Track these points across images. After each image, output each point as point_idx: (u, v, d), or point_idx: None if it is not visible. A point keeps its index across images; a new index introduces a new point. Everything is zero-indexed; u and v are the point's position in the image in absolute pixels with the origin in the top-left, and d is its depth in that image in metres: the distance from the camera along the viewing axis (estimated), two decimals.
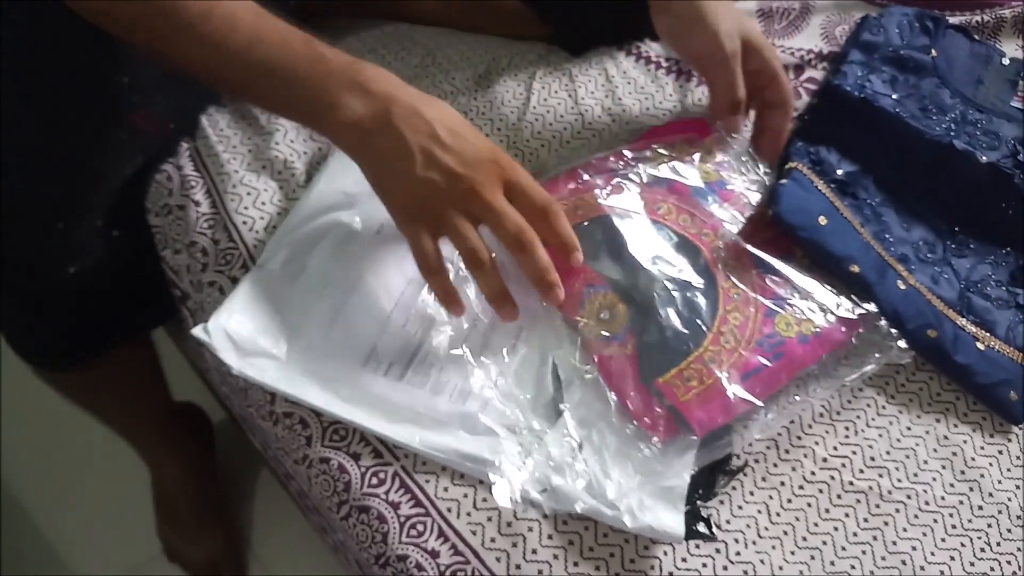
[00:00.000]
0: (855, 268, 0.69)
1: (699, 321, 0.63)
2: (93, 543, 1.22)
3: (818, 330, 0.65)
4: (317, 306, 0.66)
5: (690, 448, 0.61)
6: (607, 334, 0.64)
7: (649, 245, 0.67)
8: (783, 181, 0.72)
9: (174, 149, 0.80)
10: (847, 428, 0.67)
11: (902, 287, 0.70)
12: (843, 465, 0.66)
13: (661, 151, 0.73)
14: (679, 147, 0.74)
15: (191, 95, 0.80)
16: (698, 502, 0.60)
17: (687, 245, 0.68)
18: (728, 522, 0.62)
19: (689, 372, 0.62)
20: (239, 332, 0.64)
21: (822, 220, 0.70)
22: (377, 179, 0.60)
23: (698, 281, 0.65)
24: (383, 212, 0.63)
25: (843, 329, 0.65)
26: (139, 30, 0.60)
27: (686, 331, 0.63)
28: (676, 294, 0.64)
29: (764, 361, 0.63)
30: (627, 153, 0.73)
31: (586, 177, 0.71)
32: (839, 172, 0.76)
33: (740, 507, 0.63)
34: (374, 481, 0.62)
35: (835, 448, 0.66)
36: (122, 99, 0.76)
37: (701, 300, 0.64)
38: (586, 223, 0.68)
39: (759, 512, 0.63)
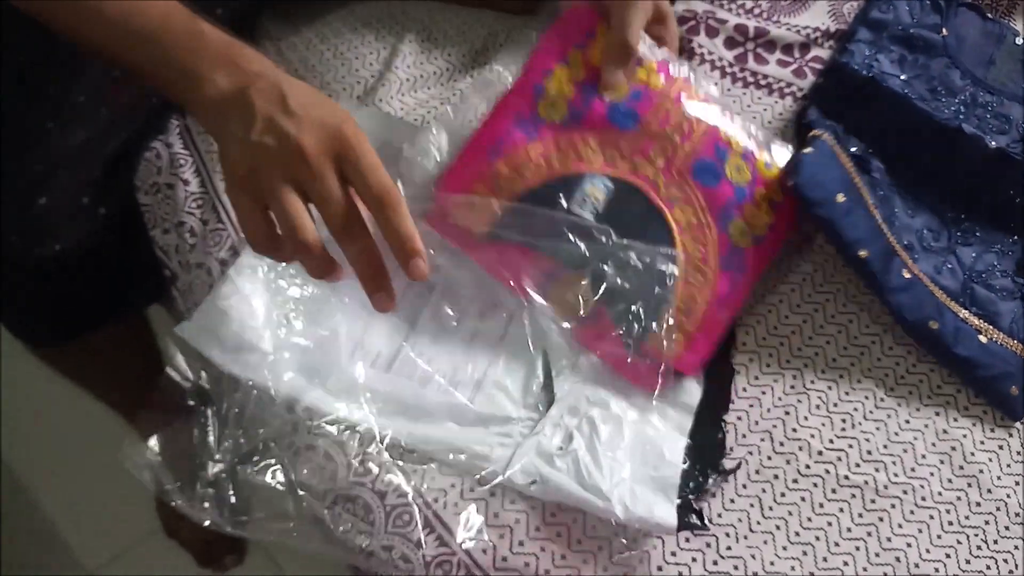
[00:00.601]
0: (863, 253, 0.67)
1: (663, 270, 0.63)
2: (92, 518, 1.23)
3: (770, 223, 0.68)
4: (303, 296, 0.65)
5: (687, 415, 0.63)
6: (583, 315, 0.63)
7: (588, 203, 0.66)
8: (806, 150, 0.69)
9: (163, 126, 0.78)
10: (844, 421, 0.66)
11: (906, 276, 0.68)
12: (839, 459, 0.64)
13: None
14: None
15: None
16: (690, 496, 0.60)
17: (624, 188, 0.67)
18: (720, 516, 0.61)
19: (669, 328, 0.63)
20: (224, 327, 0.63)
21: (840, 198, 0.68)
22: (221, 149, 0.55)
23: (650, 229, 0.66)
24: None
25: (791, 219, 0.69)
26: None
27: (655, 287, 0.63)
28: (631, 254, 0.63)
29: (734, 280, 0.66)
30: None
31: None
32: (852, 150, 0.74)
33: (732, 500, 0.62)
34: (360, 470, 0.61)
35: (831, 441, 0.65)
36: (101, 73, 0.75)
37: (658, 250, 0.64)
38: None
39: (751, 506, 0.62)
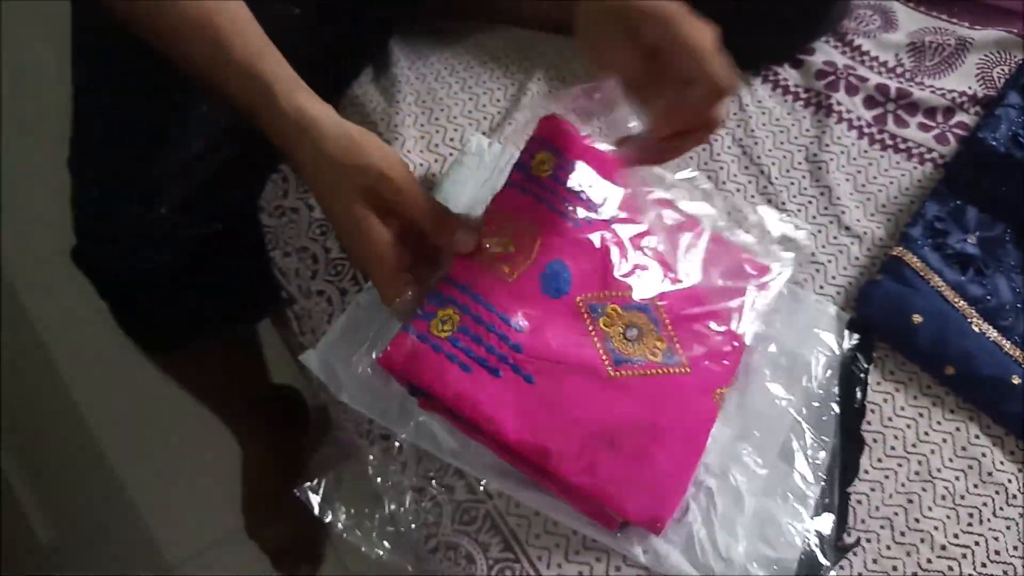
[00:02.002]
0: (950, 370, 0.66)
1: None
2: (179, 515, 1.25)
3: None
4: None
5: (813, 488, 0.60)
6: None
7: None
8: (878, 277, 0.68)
9: None
10: (971, 515, 0.63)
11: (1015, 382, 0.65)
12: (963, 556, 0.61)
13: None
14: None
15: None
16: None
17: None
18: None
19: None
20: (342, 363, 0.63)
21: (916, 319, 0.67)
22: None
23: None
24: None
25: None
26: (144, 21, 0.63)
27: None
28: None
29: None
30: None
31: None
32: (970, 240, 0.71)
33: None
34: (465, 519, 0.60)
35: (956, 536, 0.62)
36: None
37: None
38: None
39: None
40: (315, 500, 0.61)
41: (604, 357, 0.60)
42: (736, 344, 0.63)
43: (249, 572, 1.21)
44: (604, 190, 0.66)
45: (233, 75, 0.59)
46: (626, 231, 0.66)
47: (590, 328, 0.61)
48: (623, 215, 0.66)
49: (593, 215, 0.65)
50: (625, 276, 0.64)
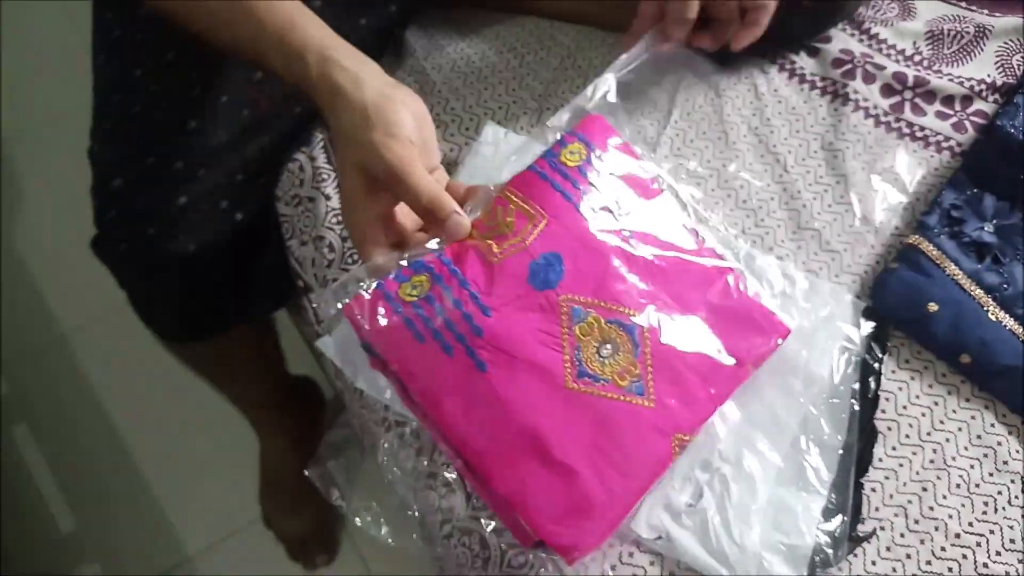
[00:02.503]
0: (966, 359, 0.65)
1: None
2: (199, 503, 1.27)
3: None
4: None
5: (827, 475, 0.59)
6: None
7: None
8: (894, 265, 0.68)
9: (306, 137, 0.80)
10: (986, 504, 0.62)
11: None
12: (978, 544, 0.61)
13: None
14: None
15: None
16: (817, 568, 0.57)
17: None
18: None
19: None
20: (359, 347, 0.63)
21: (932, 307, 0.66)
22: None
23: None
24: None
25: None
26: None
27: None
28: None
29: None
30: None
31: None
32: (987, 228, 0.70)
33: None
34: (479, 504, 0.60)
35: (970, 524, 0.61)
36: (243, 75, 0.77)
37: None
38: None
39: None
40: (324, 482, 0.62)
41: (568, 365, 0.57)
42: (713, 392, 0.59)
43: (266, 562, 1.22)
44: (632, 202, 0.64)
45: (270, 50, 0.62)
46: (643, 249, 0.62)
47: (564, 331, 0.58)
48: (644, 231, 0.63)
49: (611, 220, 0.63)
50: (623, 291, 0.60)
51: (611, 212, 0.63)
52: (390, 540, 0.60)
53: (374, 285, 0.57)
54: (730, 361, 0.60)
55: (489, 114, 0.80)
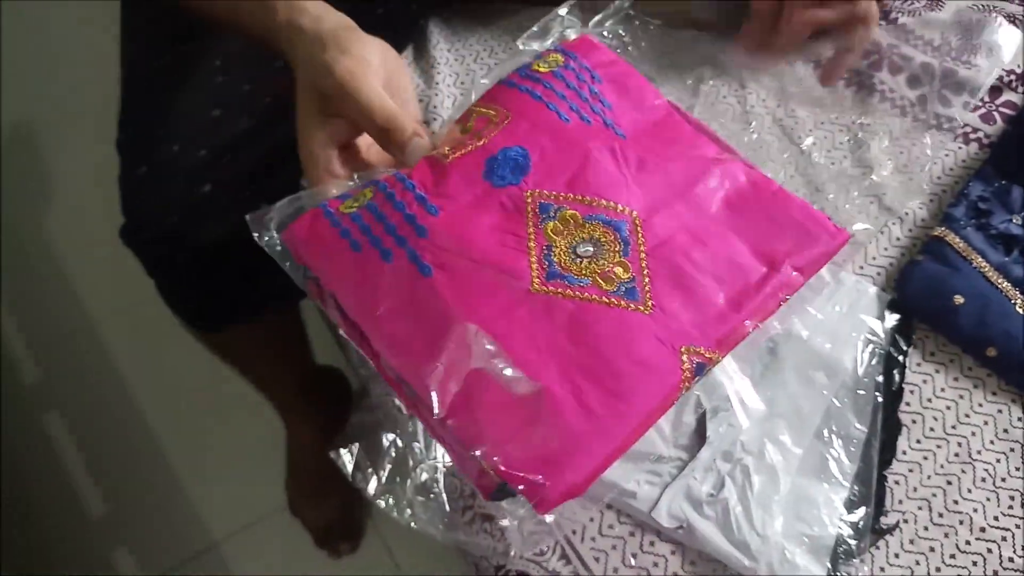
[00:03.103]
0: (992, 352, 0.64)
1: None
2: (226, 489, 1.29)
3: None
4: None
5: (851, 465, 0.58)
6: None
7: None
8: (919, 257, 0.68)
9: None
10: (1012, 498, 0.62)
11: None
12: (1003, 539, 0.60)
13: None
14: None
15: None
16: (840, 560, 0.57)
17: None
18: None
19: None
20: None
21: (958, 300, 0.66)
22: None
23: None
24: None
25: None
26: None
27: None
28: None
29: None
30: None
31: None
32: (1015, 220, 0.70)
33: (883, 569, 0.59)
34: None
35: (996, 519, 0.61)
36: (266, 63, 0.77)
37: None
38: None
39: None
40: (349, 465, 0.62)
41: (535, 266, 0.49)
42: (737, 298, 0.50)
43: (291, 549, 1.24)
44: (624, 108, 0.56)
45: (245, 7, 0.61)
46: (638, 146, 0.54)
47: (530, 230, 0.50)
48: (639, 132, 0.56)
49: (595, 116, 0.55)
50: (606, 184, 0.51)
51: (599, 111, 0.55)
52: (412, 524, 0.60)
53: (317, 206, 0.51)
54: (758, 265, 0.52)
55: None
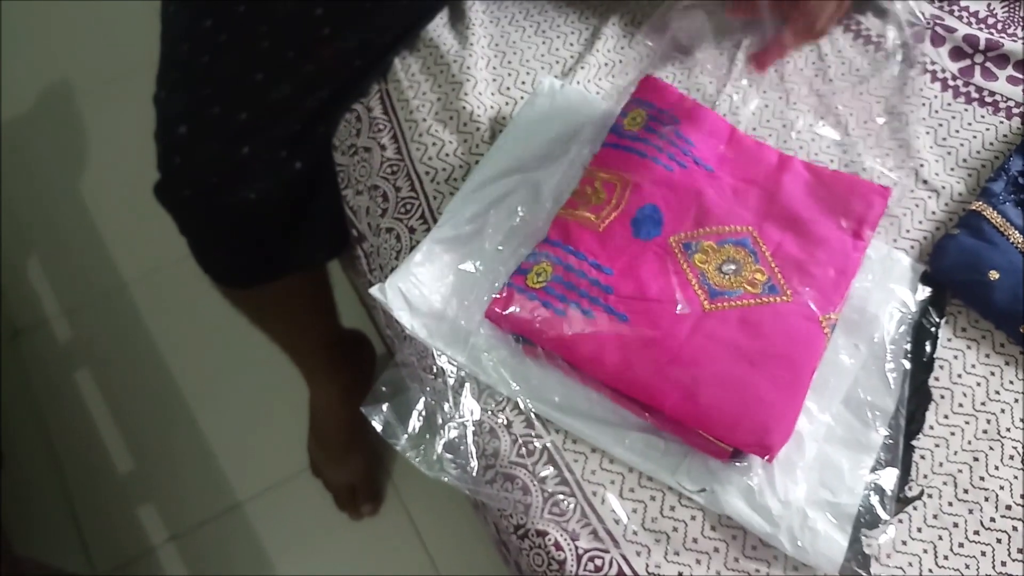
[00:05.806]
0: None
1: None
2: (248, 452, 1.30)
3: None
4: (493, 267, 0.65)
5: (877, 433, 0.60)
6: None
7: None
8: (955, 231, 0.67)
9: (364, 88, 0.81)
10: None
11: None
12: None
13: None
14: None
15: (380, 34, 0.80)
16: (863, 530, 0.57)
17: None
18: (889, 556, 0.58)
19: None
20: (414, 292, 0.64)
21: (993, 275, 0.64)
22: None
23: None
24: (563, 178, 0.68)
25: None
26: None
27: None
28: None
29: None
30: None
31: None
32: None
33: (905, 543, 0.58)
34: (523, 452, 0.61)
35: (1023, 497, 0.60)
36: (313, 30, 0.77)
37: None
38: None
39: (925, 552, 0.58)
40: (378, 420, 0.63)
41: (699, 291, 0.62)
42: (844, 268, 0.64)
43: (313, 509, 1.25)
44: (699, 136, 0.69)
45: None
46: (725, 173, 0.68)
47: (684, 265, 0.63)
48: (719, 159, 0.69)
49: (686, 158, 0.68)
50: (722, 214, 0.66)
51: (686, 150, 0.68)
52: (444, 479, 0.61)
53: (503, 284, 0.63)
54: (843, 235, 0.65)
55: (547, 68, 0.79)
